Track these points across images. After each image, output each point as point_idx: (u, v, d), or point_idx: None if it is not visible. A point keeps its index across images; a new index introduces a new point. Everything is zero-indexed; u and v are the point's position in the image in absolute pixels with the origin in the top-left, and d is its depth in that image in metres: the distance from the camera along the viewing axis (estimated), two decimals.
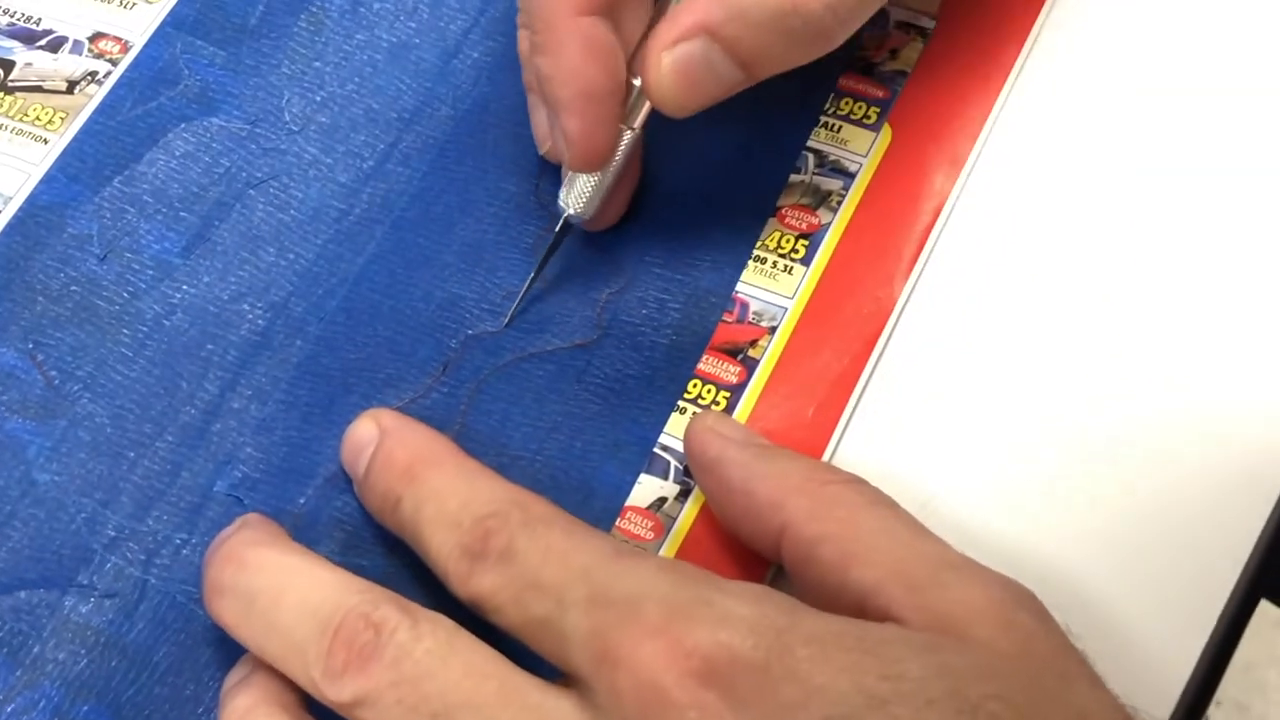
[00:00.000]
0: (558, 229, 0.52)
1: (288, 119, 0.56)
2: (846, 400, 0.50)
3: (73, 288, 0.53)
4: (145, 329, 0.52)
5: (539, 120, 0.54)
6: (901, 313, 0.52)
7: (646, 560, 0.41)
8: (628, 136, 0.50)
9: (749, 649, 0.37)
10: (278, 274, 0.53)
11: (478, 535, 0.42)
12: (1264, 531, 0.47)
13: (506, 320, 0.52)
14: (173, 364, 0.52)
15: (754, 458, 0.46)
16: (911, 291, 0.52)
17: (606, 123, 0.48)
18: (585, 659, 0.39)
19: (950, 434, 0.50)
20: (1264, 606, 0.47)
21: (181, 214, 0.54)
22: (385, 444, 0.47)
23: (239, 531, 0.46)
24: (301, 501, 0.50)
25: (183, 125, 0.56)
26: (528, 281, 0.52)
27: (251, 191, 0.55)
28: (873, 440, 0.50)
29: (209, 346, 0.52)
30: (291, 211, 0.54)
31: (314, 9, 0.58)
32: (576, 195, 0.51)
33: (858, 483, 0.45)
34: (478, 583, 0.42)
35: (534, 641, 0.41)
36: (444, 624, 0.42)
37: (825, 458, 0.50)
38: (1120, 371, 0.50)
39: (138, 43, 0.58)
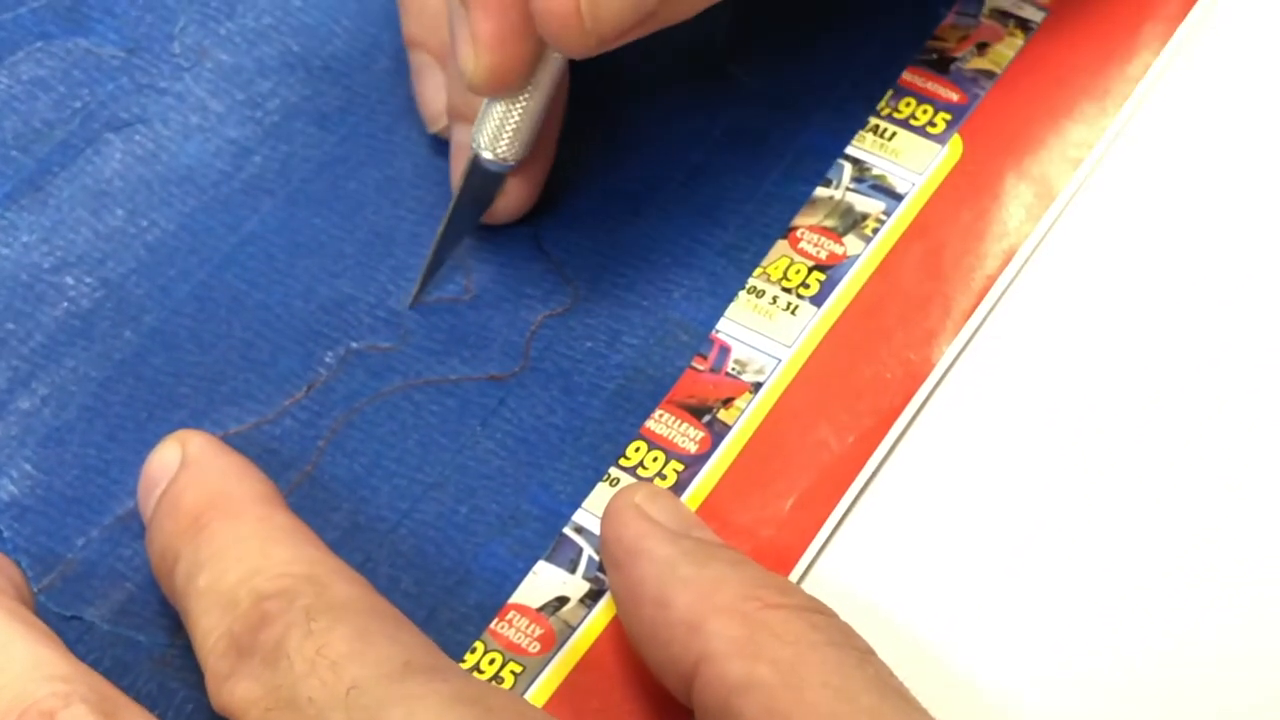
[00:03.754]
0: (466, 173, 0.39)
1: (177, 51, 0.44)
2: (841, 495, 0.36)
3: None
4: None
5: (428, 88, 0.41)
6: (940, 384, 0.38)
7: (446, 682, 0.29)
8: (555, 59, 0.37)
9: None
10: (122, 243, 0.41)
11: (251, 622, 0.31)
12: None
13: (411, 299, 0.40)
14: None
15: (681, 555, 0.32)
16: (958, 358, 0.38)
17: (529, 31, 0.35)
18: None
19: (980, 565, 0.36)
20: None
21: (12, 153, 0.42)
22: (180, 479, 0.34)
23: None
24: (80, 544, 0.36)
25: (39, 44, 0.43)
26: (433, 246, 0.40)
27: (110, 135, 0.42)
28: (867, 557, 0.36)
29: (8, 325, 0.39)
30: (157, 167, 0.42)
31: None
32: (493, 129, 0.38)
33: (817, 612, 0.31)
34: (230, 691, 0.30)
35: None
36: None
37: (793, 575, 0.35)
38: (1239, 515, 0.35)
39: None
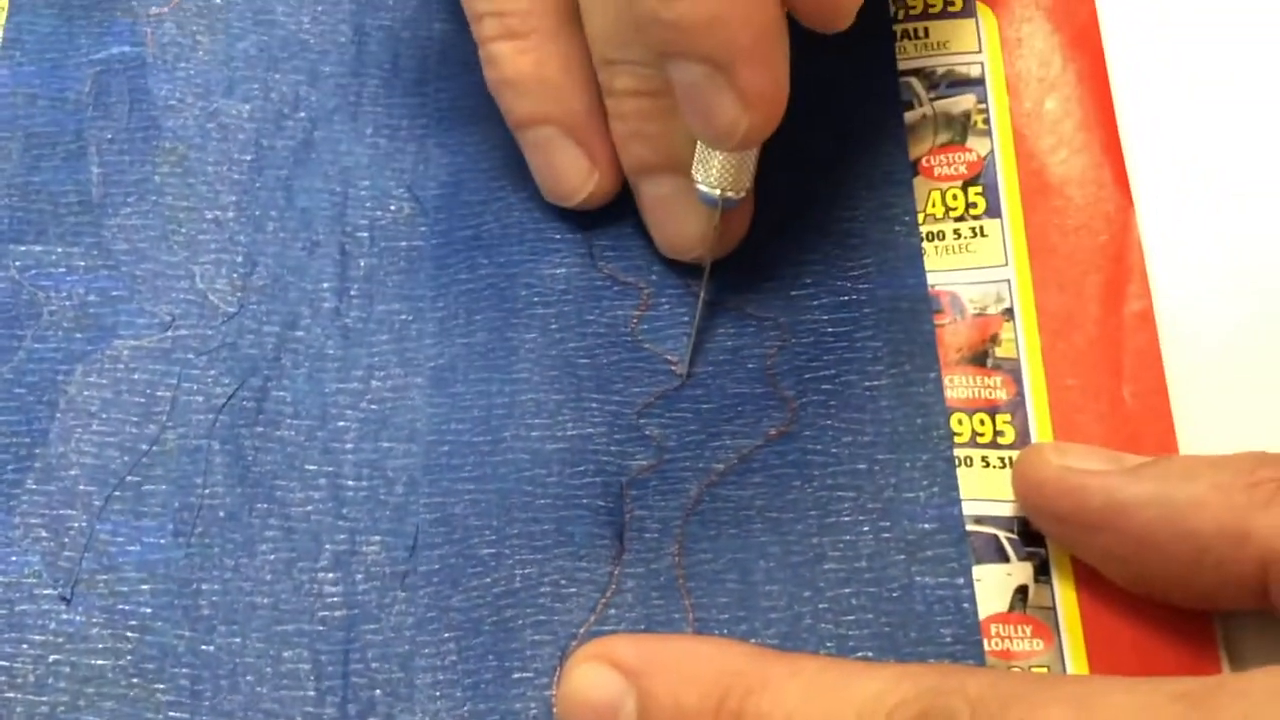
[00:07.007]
0: (715, 223, 0.37)
1: (214, 300, 0.38)
2: (1157, 355, 0.37)
3: (53, 659, 0.35)
4: (185, 683, 0.35)
5: (564, 160, 0.38)
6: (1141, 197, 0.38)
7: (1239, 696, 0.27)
8: None
9: None
10: (330, 517, 0.36)
11: None
12: None
13: (684, 368, 0.38)
14: None
15: (1160, 484, 0.32)
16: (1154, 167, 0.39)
17: (787, 67, 0.34)
18: None
19: None
20: None
21: (145, 488, 0.36)
22: (656, 690, 0.31)
23: None
24: None
25: (78, 370, 0.37)
26: (699, 304, 0.38)
27: (224, 418, 0.37)
28: (1226, 404, 0.36)
29: (270, 702, 0.34)
30: (289, 419, 0.37)
31: (166, 142, 0.40)
32: (733, 170, 0.35)
33: None
34: None
35: None
36: None
37: (1179, 440, 0.36)
38: None
39: None
